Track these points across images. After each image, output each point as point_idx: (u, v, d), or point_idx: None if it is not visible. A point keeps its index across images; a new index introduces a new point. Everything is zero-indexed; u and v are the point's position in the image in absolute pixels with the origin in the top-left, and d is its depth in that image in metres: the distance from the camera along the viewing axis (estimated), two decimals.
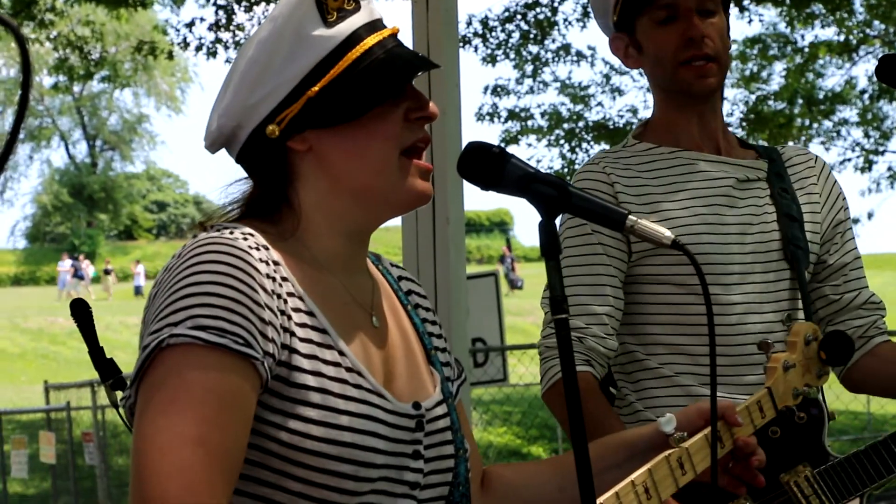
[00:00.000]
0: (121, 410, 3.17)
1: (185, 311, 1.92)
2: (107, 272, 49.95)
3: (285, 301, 2.02)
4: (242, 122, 2.12)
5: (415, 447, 2.13)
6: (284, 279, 2.04)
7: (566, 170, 21.33)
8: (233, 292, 1.94)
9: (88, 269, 49.61)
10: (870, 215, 30.26)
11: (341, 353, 2.06)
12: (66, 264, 47.47)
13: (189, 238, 2.09)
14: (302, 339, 2.03)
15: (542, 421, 18.75)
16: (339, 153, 2.11)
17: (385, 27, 2.17)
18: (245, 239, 2.03)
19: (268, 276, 2.00)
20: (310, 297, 2.07)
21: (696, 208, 3.09)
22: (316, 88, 2.09)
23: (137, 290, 46.36)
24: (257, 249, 2.02)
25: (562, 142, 21.71)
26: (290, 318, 2.02)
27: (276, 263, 2.04)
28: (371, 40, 2.12)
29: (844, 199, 3.29)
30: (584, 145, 21.76)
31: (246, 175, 2.20)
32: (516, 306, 31.72)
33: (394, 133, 2.12)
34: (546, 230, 1.99)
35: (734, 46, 24.42)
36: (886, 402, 17.26)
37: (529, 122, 21.54)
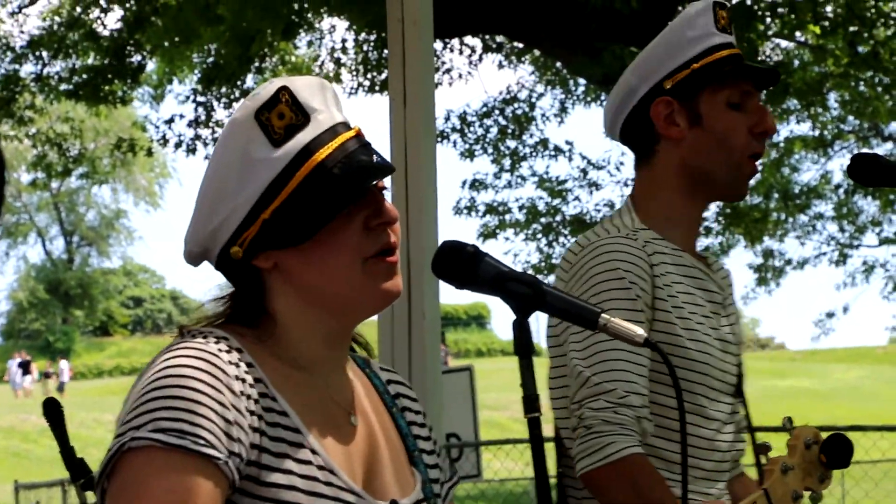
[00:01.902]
0: None
1: (147, 414, 1.96)
2: (46, 375, 49.83)
3: (256, 401, 2.03)
4: (208, 246, 2.15)
5: None
6: (257, 380, 2.05)
7: (543, 264, 21.38)
8: (195, 394, 1.96)
9: (34, 370, 49.66)
10: (845, 309, 30.32)
11: (314, 452, 2.07)
12: (15, 363, 47.48)
13: (167, 335, 2.13)
14: (272, 439, 2.03)
15: None
16: (303, 268, 2.12)
17: (348, 129, 2.15)
18: (217, 342, 2.05)
19: (237, 377, 2.01)
20: (284, 396, 2.08)
21: (701, 316, 2.99)
22: (269, 211, 2.09)
23: (61, 387, 46.23)
24: (228, 352, 2.04)
25: (539, 236, 21.78)
26: (260, 417, 2.03)
27: (249, 365, 2.05)
28: (324, 152, 2.10)
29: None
30: (562, 239, 21.84)
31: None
32: (493, 400, 31.63)
33: (354, 244, 2.11)
34: (520, 328, 2.00)
35: None
36: (861, 497, 17.17)
37: (507, 217, 21.62)
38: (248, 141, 2.09)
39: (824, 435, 2.61)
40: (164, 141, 18.09)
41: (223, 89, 17.64)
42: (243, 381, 2.02)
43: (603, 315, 2.03)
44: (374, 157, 2.15)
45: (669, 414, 2.94)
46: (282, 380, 2.09)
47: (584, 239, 3.02)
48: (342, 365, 2.22)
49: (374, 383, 2.31)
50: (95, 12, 16.93)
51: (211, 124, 17.77)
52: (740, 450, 3.13)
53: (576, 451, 2.84)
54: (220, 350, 2.03)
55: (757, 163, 3.07)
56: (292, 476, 2.03)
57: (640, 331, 2.02)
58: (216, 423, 1.96)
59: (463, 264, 2.06)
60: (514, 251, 22.09)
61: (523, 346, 1.98)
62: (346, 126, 2.15)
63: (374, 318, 4.50)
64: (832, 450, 2.54)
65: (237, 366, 2.03)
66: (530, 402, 1.95)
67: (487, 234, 21.55)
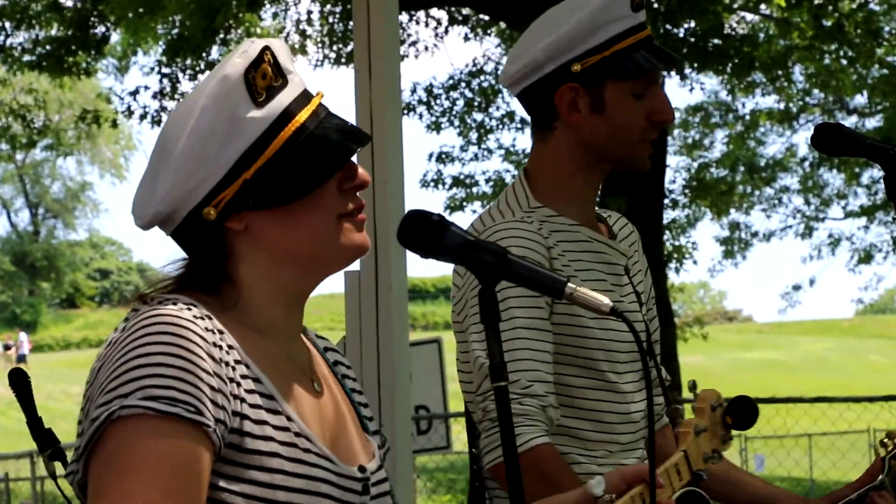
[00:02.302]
0: (59, 481, 3.14)
1: (134, 382, 1.93)
2: (6, 347, 50.04)
3: (233, 368, 2.02)
4: (179, 207, 2.10)
5: None
6: (231, 347, 2.04)
7: None
8: (181, 361, 1.94)
9: None
10: (811, 282, 30.58)
11: (289, 419, 2.07)
12: None
13: (130, 308, 2.09)
14: (252, 406, 2.03)
15: None
16: (276, 230, 2.11)
17: (312, 95, 2.16)
18: (189, 309, 2.03)
19: (214, 344, 2.00)
20: (255, 363, 2.07)
21: (603, 292, 2.92)
22: (251, 172, 2.07)
23: (21, 359, 46.30)
24: (202, 319, 2.02)
25: None
26: (238, 384, 2.02)
27: (220, 332, 2.04)
28: (303, 115, 2.11)
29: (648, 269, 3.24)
30: None
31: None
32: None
33: (330, 205, 2.11)
34: (485, 297, 2.00)
35: (676, 114, 24.60)
36: (828, 467, 17.31)
37: (474, 189, 21.62)
38: (236, 100, 2.07)
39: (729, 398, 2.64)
40: (129, 112, 18.00)
41: (188, 61, 17.55)
42: (220, 347, 2.01)
43: (569, 284, 2.03)
44: (347, 122, 2.17)
45: (579, 394, 2.93)
46: (250, 346, 2.08)
47: (480, 223, 3.00)
48: (299, 330, 2.22)
49: (317, 349, 2.31)
50: None
51: (176, 96, 17.68)
52: (659, 413, 3.17)
53: (483, 444, 2.84)
54: (194, 317, 2.00)
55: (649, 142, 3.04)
56: (273, 443, 2.02)
57: (606, 300, 2.03)
58: (203, 390, 1.94)
59: (428, 233, 2.06)
60: None
61: (489, 314, 1.99)
62: (309, 92, 2.16)
63: (341, 290, 4.51)
64: (737, 412, 2.57)
65: (213, 332, 2.01)
66: (497, 371, 1.95)
67: (454, 206, 21.54)
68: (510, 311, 2.84)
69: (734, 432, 2.64)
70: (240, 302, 2.12)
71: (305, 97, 2.14)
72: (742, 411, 2.58)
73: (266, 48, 2.11)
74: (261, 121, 2.07)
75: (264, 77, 2.09)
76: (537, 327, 2.87)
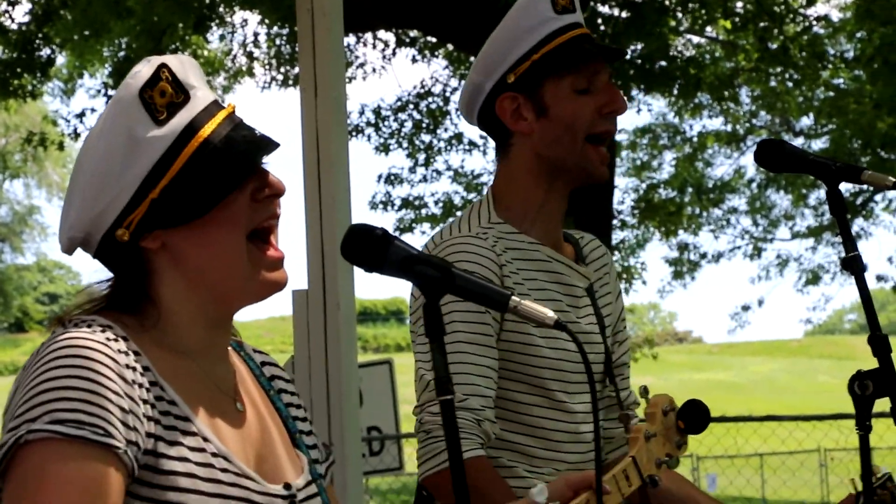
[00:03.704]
0: None
1: (42, 406, 1.93)
2: None
3: (147, 390, 2.03)
4: (91, 231, 2.11)
5: None
6: (146, 368, 2.05)
7: None
8: (89, 384, 1.95)
9: None
10: (760, 302, 30.64)
11: (205, 440, 2.07)
12: None
13: (50, 331, 2.08)
14: (166, 427, 2.03)
15: None
16: (190, 247, 2.11)
17: (222, 107, 2.15)
18: (103, 331, 2.03)
19: (127, 366, 2.00)
20: (171, 385, 2.08)
21: (556, 312, 2.99)
22: (157, 191, 2.07)
23: None
24: (115, 340, 2.02)
25: None
26: (153, 406, 2.03)
27: (136, 353, 2.04)
28: (207, 129, 2.10)
29: (621, 293, 3.26)
30: None
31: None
32: (413, 394, 31.68)
33: (241, 219, 2.12)
34: (430, 311, 1.99)
35: (624, 136, 24.76)
36: (779, 486, 17.41)
37: (423, 211, 21.62)
38: (133, 120, 2.07)
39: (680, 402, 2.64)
40: (76, 135, 17.90)
41: None
42: (133, 369, 2.01)
43: (513, 297, 2.03)
44: (256, 132, 2.15)
45: (526, 410, 2.95)
46: (167, 368, 2.09)
47: (438, 236, 3.03)
48: (223, 351, 2.22)
49: (250, 366, 2.32)
50: (3, 6, 16.70)
51: None
52: (612, 436, 3.17)
53: (418, 456, 2.86)
54: (108, 339, 2.01)
55: (603, 146, 3.03)
56: (189, 463, 2.03)
57: (550, 313, 2.04)
58: (113, 412, 1.95)
59: (372, 247, 2.06)
60: None
61: (434, 328, 1.98)
62: (218, 104, 2.15)
63: (289, 310, 4.49)
64: (689, 416, 2.58)
65: (126, 354, 2.02)
66: (442, 385, 1.94)
67: (404, 228, 21.53)
68: (453, 324, 2.87)
69: (690, 443, 2.64)
70: (159, 322, 2.12)
71: (212, 110, 2.12)
72: (694, 416, 2.58)
73: (162, 66, 2.10)
74: (162, 139, 2.07)
75: (163, 95, 2.08)
76: (479, 342, 2.88)
